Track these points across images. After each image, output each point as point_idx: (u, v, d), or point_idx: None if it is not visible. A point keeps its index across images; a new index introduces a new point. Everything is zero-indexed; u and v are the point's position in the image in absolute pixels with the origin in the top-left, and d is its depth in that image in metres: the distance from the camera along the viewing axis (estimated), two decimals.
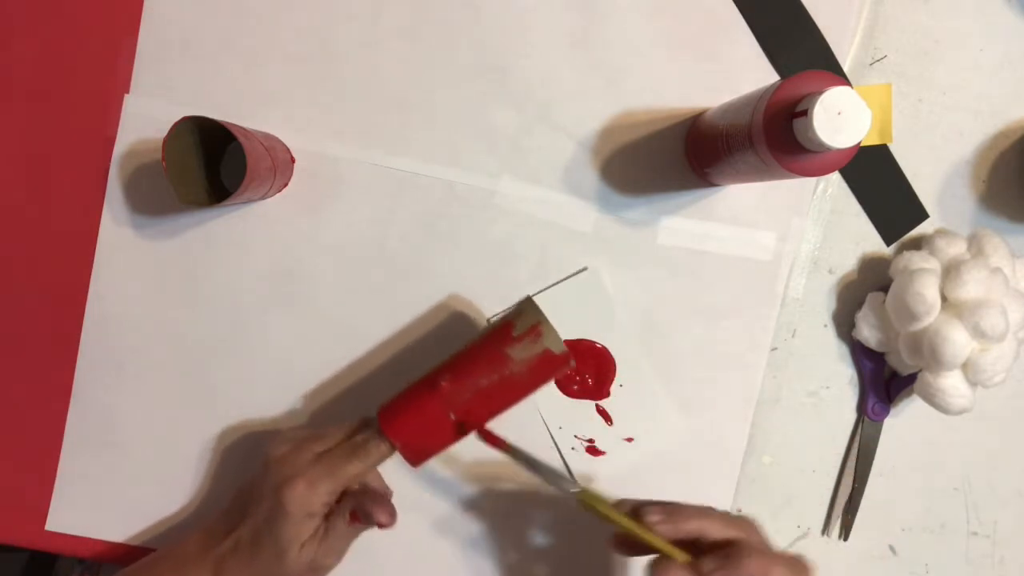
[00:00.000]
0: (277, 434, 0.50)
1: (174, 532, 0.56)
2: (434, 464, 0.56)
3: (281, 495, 0.44)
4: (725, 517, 0.44)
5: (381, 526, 0.47)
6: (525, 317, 0.46)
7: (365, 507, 0.47)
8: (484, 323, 0.56)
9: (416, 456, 0.47)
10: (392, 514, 0.47)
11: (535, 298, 0.55)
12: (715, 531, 0.42)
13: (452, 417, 0.46)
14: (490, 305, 0.56)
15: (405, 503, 0.56)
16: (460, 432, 0.46)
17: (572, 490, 0.46)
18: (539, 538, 0.57)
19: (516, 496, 0.56)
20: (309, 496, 0.44)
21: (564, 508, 0.57)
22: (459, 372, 0.46)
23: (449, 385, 0.46)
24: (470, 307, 0.56)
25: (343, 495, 0.47)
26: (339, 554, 0.48)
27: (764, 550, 0.43)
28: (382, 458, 0.46)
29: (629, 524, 0.43)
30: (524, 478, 0.56)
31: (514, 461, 0.47)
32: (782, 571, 0.41)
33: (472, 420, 0.46)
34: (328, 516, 0.46)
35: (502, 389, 0.46)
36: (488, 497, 0.56)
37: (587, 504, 0.45)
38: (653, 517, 0.43)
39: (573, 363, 0.47)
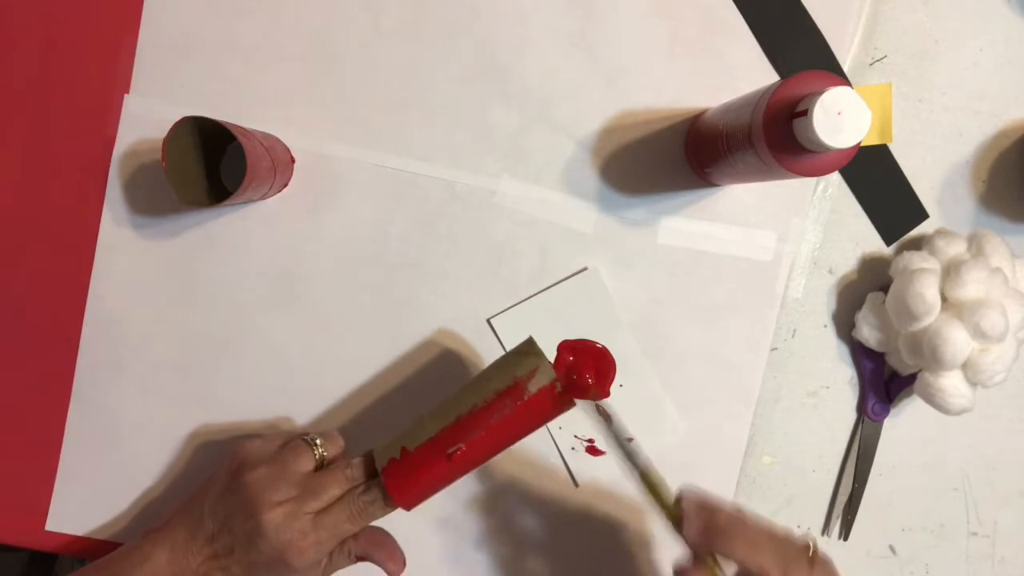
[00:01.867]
0: (251, 461, 0.47)
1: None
2: None
3: (288, 558, 0.44)
4: (775, 553, 0.40)
5: (392, 575, 0.48)
6: (540, 376, 0.45)
7: (374, 559, 0.47)
8: (484, 323, 0.56)
9: (414, 506, 0.46)
10: (402, 562, 0.48)
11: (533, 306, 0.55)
12: (747, 563, 0.40)
13: (460, 474, 0.46)
14: (490, 306, 0.56)
15: None
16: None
17: (639, 463, 0.45)
18: (537, 537, 0.57)
19: (514, 494, 0.57)
20: (315, 555, 0.45)
21: (563, 507, 0.57)
22: (472, 438, 0.45)
23: (463, 454, 0.45)
24: (470, 308, 0.56)
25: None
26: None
27: None
28: (383, 516, 0.46)
29: (669, 518, 0.43)
30: (522, 474, 0.56)
31: (602, 425, 0.47)
32: None
33: (474, 466, 0.46)
34: (330, 552, 0.47)
35: (511, 440, 0.46)
36: (487, 494, 0.56)
37: (648, 484, 0.45)
38: (690, 530, 0.42)
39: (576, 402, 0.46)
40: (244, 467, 0.47)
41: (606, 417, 0.47)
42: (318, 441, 0.49)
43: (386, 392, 0.56)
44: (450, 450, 0.44)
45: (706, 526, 0.42)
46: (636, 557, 0.57)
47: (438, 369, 0.56)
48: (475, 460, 0.45)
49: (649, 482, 0.45)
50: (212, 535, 0.46)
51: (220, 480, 0.48)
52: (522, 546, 0.57)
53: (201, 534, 0.46)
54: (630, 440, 0.52)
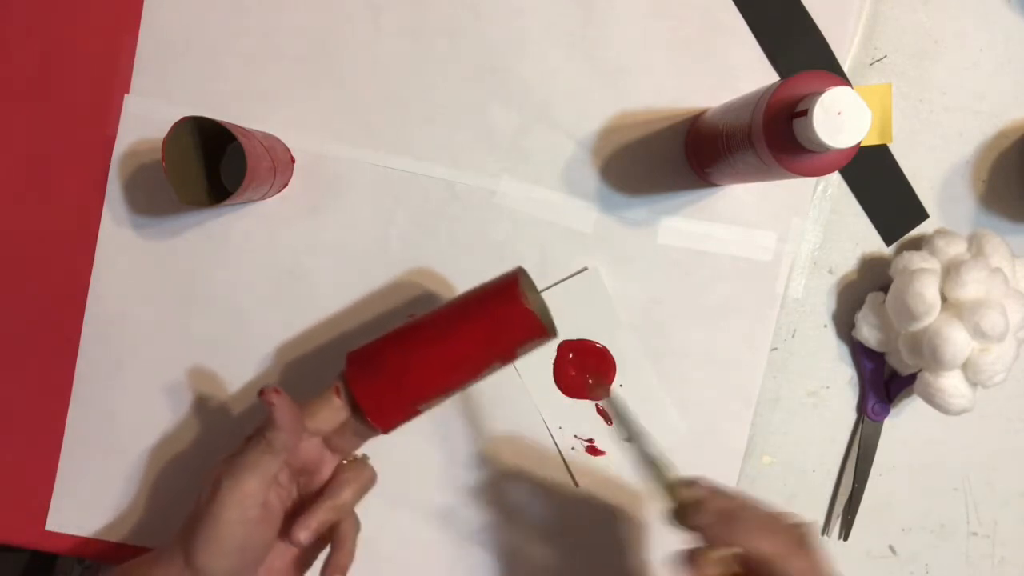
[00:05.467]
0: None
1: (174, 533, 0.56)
2: (433, 460, 0.56)
3: (200, 501, 0.43)
4: (783, 539, 0.41)
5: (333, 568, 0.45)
6: (507, 279, 0.45)
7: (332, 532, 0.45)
8: None
9: (377, 412, 0.44)
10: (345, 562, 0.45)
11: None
12: (759, 551, 0.41)
13: (414, 355, 0.44)
14: None
15: (400, 500, 0.56)
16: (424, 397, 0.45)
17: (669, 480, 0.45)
18: (536, 535, 0.57)
19: (514, 493, 0.57)
20: (213, 488, 0.43)
21: (562, 504, 0.57)
22: (425, 315, 0.45)
23: (413, 326, 0.44)
24: None
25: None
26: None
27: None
28: (284, 424, 0.42)
29: (672, 504, 0.43)
30: (522, 473, 0.56)
31: (621, 436, 0.47)
32: None
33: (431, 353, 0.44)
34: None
35: (468, 328, 0.44)
36: (487, 493, 0.56)
37: (655, 470, 0.45)
38: (704, 517, 0.42)
39: (554, 333, 0.45)
40: None
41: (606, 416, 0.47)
42: None
43: None
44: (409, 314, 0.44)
45: (720, 513, 0.42)
46: (635, 556, 0.57)
47: None
48: (428, 341, 0.44)
49: (656, 468, 0.45)
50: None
51: None
52: (521, 544, 0.57)
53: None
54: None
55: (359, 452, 0.48)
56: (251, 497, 0.43)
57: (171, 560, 0.44)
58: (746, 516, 0.42)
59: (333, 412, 0.45)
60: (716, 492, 0.44)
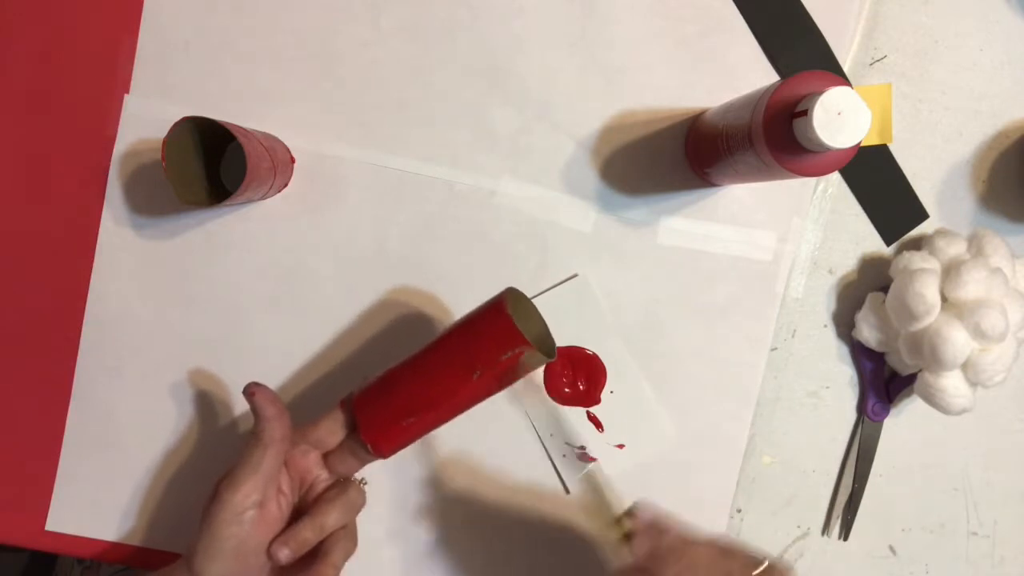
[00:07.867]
0: None
1: (174, 532, 0.56)
2: (428, 464, 0.56)
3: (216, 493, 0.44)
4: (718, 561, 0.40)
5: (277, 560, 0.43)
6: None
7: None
8: None
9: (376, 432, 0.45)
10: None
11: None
12: None
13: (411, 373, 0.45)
14: None
15: (397, 503, 0.56)
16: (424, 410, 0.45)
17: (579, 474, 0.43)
18: (527, 542, 0.57)
19: (504, 499, 0.56)
20: (216, 492, 0.43)
21: (553, 513, 0.57)
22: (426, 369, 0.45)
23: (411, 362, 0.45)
24: (470, 308, 0.56)
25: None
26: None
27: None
28: (271, 431, 0.43)
29: (615, 532, 0.42)
30: (512, 480, 0.56)
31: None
32: None
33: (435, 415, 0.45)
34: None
35: (461, 337, 0.45)
36: (476, 497, 0.56)
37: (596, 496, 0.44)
38: (638, 552, 0.41)
39: (547, 351, 0.44)
40: None
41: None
42: None
43: None
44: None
45: (652, 549, 0.41)
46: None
47: None
48: (415, 357, 0.46)
49: (598, 494, 0.43)
50: None
51: None
52: (511, 551, 0.57)
53: None
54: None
55: (358, 476, 0.48)
56: (247, 496, 0.43)
57: (178, 573, 0.44)
58: (673, 555, 0.40)
59: (335, 424, 0.46)
60: (652, 524, 0.42)
